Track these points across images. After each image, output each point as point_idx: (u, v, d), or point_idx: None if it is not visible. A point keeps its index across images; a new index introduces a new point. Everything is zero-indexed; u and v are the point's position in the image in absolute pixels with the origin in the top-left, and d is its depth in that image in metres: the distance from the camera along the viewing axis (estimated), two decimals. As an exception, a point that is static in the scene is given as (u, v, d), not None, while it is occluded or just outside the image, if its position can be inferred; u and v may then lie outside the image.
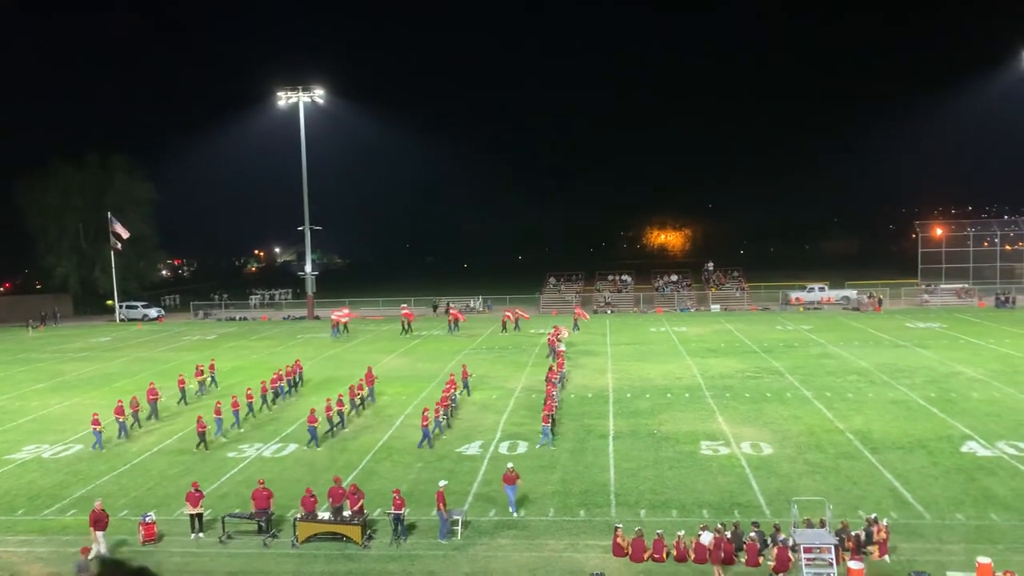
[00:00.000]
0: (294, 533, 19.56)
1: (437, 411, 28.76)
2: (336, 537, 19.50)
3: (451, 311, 60.90)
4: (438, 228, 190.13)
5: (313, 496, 20.41)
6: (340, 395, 31.43)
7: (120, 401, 30.28)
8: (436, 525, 19.88)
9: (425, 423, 27.24)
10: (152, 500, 22.78)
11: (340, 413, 29.61)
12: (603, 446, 26.68)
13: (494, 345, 49.96)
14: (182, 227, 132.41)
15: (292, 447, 27.68)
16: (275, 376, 35.10)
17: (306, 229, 70.72)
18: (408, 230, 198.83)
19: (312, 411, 28.31)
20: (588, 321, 57.57)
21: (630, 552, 18.19)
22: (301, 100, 68.79)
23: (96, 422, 28.20)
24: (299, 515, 20.03)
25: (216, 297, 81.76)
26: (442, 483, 20.82)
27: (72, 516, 21.72)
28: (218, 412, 29.41)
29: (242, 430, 30.10)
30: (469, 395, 34.69)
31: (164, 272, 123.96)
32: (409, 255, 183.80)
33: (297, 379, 37.26)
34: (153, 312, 73.17)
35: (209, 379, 37.86)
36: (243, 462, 26.28)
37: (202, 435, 27.66)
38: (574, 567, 17.70)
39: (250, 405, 31.83)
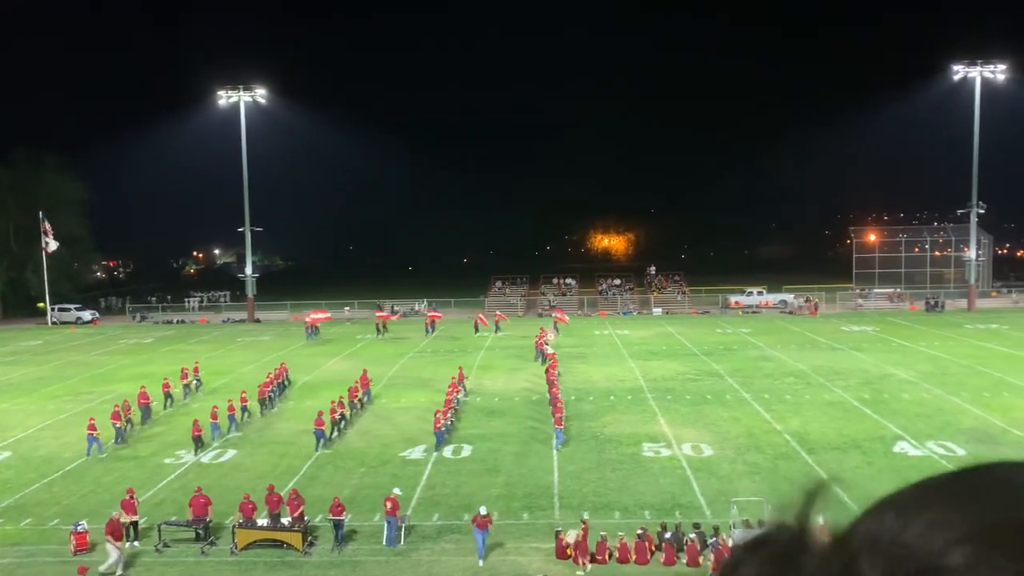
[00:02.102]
0: (233, 540, 19.21)
1: (446, 414, 28.62)
2: (276, 544, 19.22)
3: (429, 313, 59.84)
4: (382, 230, 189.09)
5: (251, 502, 20.06)
6: (341, 397, 31.03)
7: (116, 406, 29.34)
8: (378, 530, 19.72)
9: (438, 426, 27.12)
10: (84, 508, 22.13)
11: (343, 415, 29.30)
12: (547, 449, 26.80)
13: (439, 348, 49.79)
14: (118, 228, 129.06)
15: (231, 453, 27.17)
16: (266, 380, 34.50)
17: (246, 230, 69.50)
18: (352, 232, 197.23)
19: (320, 413, 27.84)
20: (567, 325, 56.38)
21: (572, 555, 18.30)
22: (242, 100, 67.63)
23: (92, 427, 27.24)
24: (238, 522, 19.68)
25: (153, 299, 79.87)
26: (396, 491, 20.61)
27: (-1, 526, 20.99)
28: (214, 416, 28.74)
29: (240, 434, 29.48)
30: (467, 396, 34.43)
31: (99, 274, 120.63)
32: (353, 257, 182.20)
33: (285, 382, 36.75)
34: (87, 315, 71.04)
35: (194, 382, 37.05)
36: (180, 468, 25.71)
37: (197, 439, 27.01)
38: (518, 571, 17.75)
39: (244, 408, 31.17)
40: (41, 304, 73.92)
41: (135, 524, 19.81)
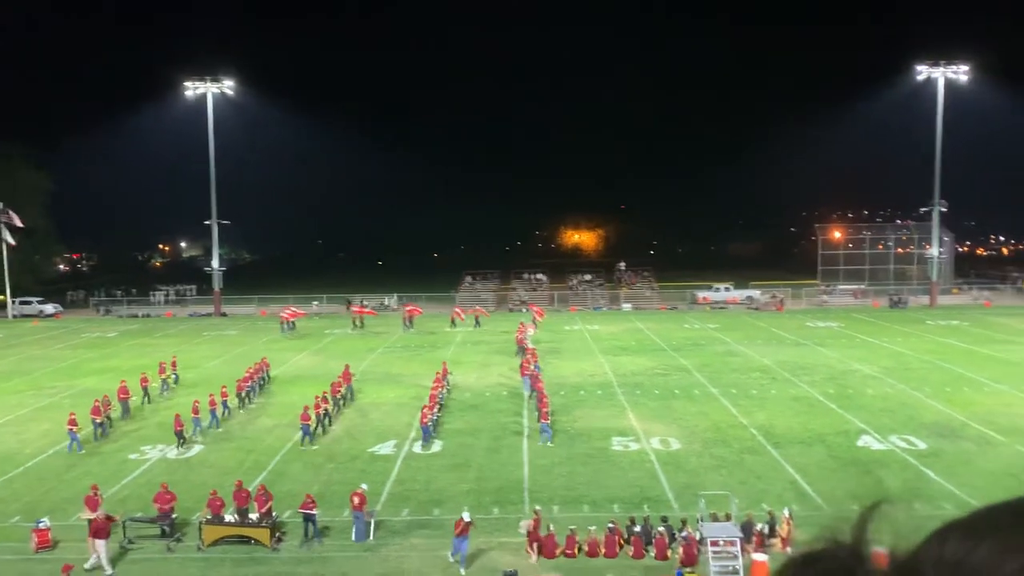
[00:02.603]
0: (200, 537, 19.02)
1: (432, 408, 28.53)
2: (244, 540, 19.06)
3: (407, 308, 59.21)
4: (351, 225, 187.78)
5: (219, 498, 19.87)
6: (325, 392, 30.77)
7: (96, 401, 28.81)
8: (347, 526, 19.64)
9: (424, 421, 27.06)
10: (46, 505, 21.77)
11: (326, 411, 29.08)
12: (517, 444, 26.86)
13: (410, 343, 49.65)
14: (82, 219, 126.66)
15: (197, 448, 26.87)
16: (245, 375, 34.12)
17: (213, 223, 68.67)
18: (320, 226, 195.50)
19: (306, 408, 27.64)
20: (543, 319, 56.15)
21: (543, 549, 18.37)
22: (209, 91, 66.77)
23: (73, 423, 26.75)
24: (205, 518, 19.49)
25: (119, 293, 78.63)
26: (363, 486, 20.55)
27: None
28: (195, 411, 28.34)
29: (221, 429, 29.13)
30: (449, 392, 34.29)
31: (62, 266, 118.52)
32: (321, 252, 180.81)
33: (265, 377, 36.43)
34: (50, 308, 69.76)
35: (172, 377, 36.57)
36: (145, 464, 25.40)
37: (179, 434, 26.65)
38: (488, 565, 17.77)
39: (225, 403, 30.78)
40: (2, 297, 72.45)
41: (99, 521, 19.51)
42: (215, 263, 69.68)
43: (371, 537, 19.32)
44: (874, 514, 0.92)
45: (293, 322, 55.37)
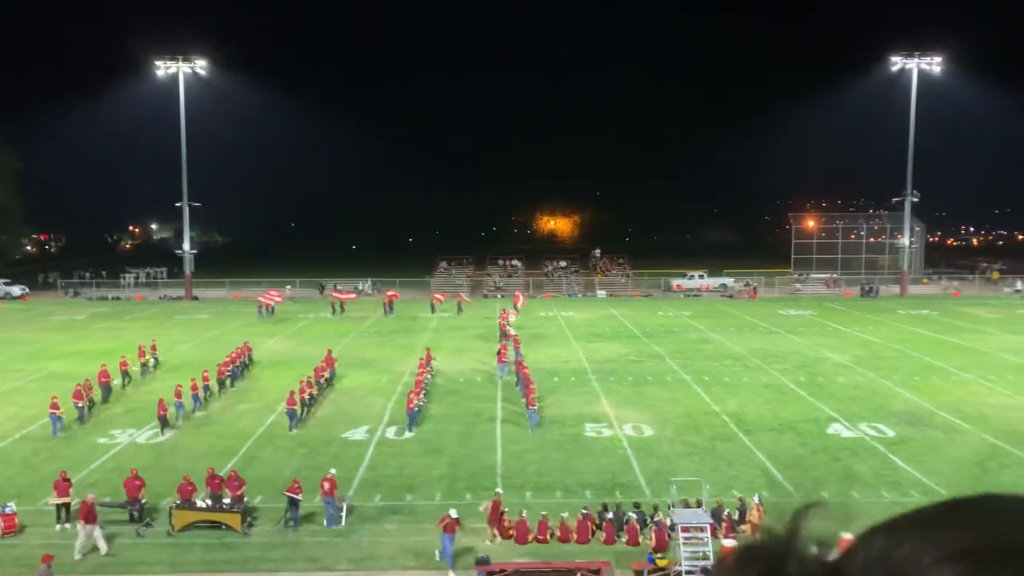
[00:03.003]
0: (170, 522, 18.84)
1: (419, 394, 28.42)
2: (215, 525, 18.92)
3: (388, 293, 58.76)
4: (325, 208, 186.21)
5: (191, 484, 19.67)
6: (309, 377, 30.55)
7: (78, 385, 28.39)
8: (319, 512, 19.55)
9: (411, 407, 27.00)
10: (12, 489, 21.44)
11: (311, 396, 28.90)
12: (490, 429, 26.87)
13: (382, 328, 49.45)
14: (50, 200, 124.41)
15: (169, 433, 26.58)
16: (227, 359, 33.77)
17: (184, 205, 67.79)
18: (293, 209, 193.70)
19: (292, 393, 27.50)
20: (522, 306, 56.24)
21: (515, 535, 18.42)
22: (181, 70, 65.72)
23: (55, 406, 26.33)
24: (175, 503, 19.30)
25: (88, 275, 77.51)
26: (332, 471, 20.46)
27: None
28: (178, 395, 28.01)
29: (204, 413, 28.82)
30: (433, 377, 34.11)
31: (29, 248, 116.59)
32: (294, 235, 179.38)
33: (247, 361, 36.12)
34: (16, 290, 68.63)
35: (152, 360, 36.15)
36: (115, 448, 25.10)
37: (163, 419, 26.36)
38: (460, 550, 17.76)
39: (207, 388, 30.49)
40: (-33, 278, 71.14)
41: (67, 506, 19.27)
42: (186, 246, 68.86)
43: (343, 523, 19.26)
44: (809, 511, 1.00)
45: (272, 307, 54.95)
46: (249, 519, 19.20)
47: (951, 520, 0.90)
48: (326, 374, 32.67)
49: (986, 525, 0.88)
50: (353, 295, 59.67)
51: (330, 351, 35.87)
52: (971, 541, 0.85)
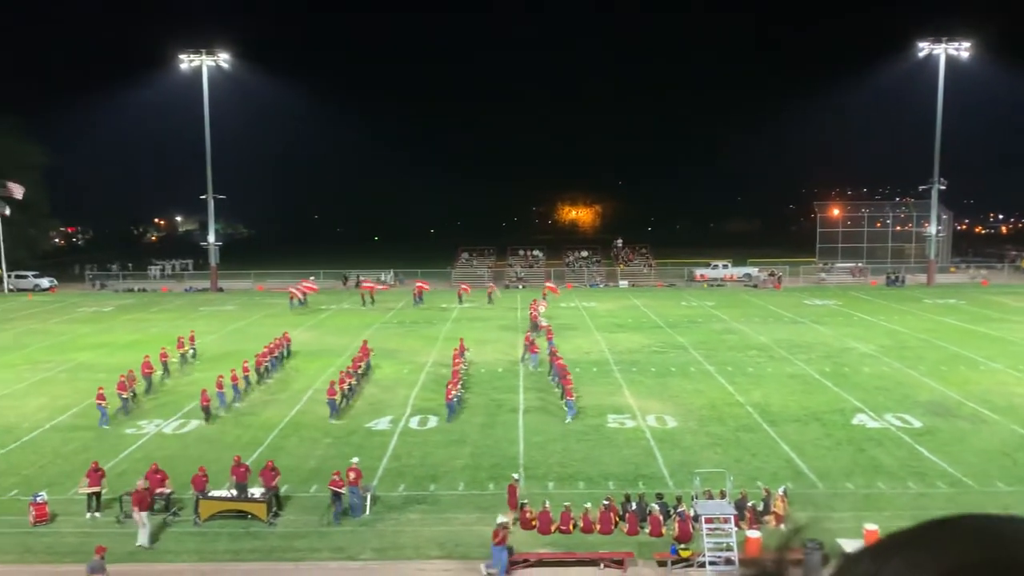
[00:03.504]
0: (196, 511, 19.07)
1: (456, 385, 28.60)
2: (241, 515, 19.11)
3: (417, 283, 58.89)
4: (348, 199, 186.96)
5: (205, 476, 19.80)
6: (349, 367, 30.90)
7: (122, 376, 28.77)
8: (344, 502, 19.68)
9: (449, 398, 27.26)
10: (44, 479, 21.81)
11: (350, 386, 29.18)
12: (513, 420, 26.92)
13: (405, 319, 49.63)
14: (77, 193, 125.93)
15: (194, 423, 26.90)
16: (265, 350, 34.06)
17: (209, 198, 68.34)
18: (316, 201, 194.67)
19: (332, 383, 27.80)
20: (558, 296, 56.77)
21: (537, 525, 18.46)
22: (205, 64, 66.14)
23: (101, 397, 26.75)
24: (198, 494, 19.51)
25: (114, 267, 78.41)
26: (354, 460, 20.59)
27: (-45, 497, 20.61)
28: (220, 386, 28.35)
29: (243, 404, 29.13)
30: (468, 368, 34.20)
31: (57, 240, 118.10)
32: (317, 226, 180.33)
33: (285, 352, 36.44)
34: (45, 282, 69.64)
35: (191, 351, 36.61)
36: (142, 439, 25.43)
37: (206, 408, 26.74)
38: (483, 540, 17.83)
39: (247, 379, 30.81)
40: (-4, 271, 72.18)
41: (98, 495, 19.56)
42: (211, 238, 69.40)
43: (367, 512, 19.39)
44: (798, 535, 1.09)
45: (307, 297, 55.25)
46: (275, 509, 19.36)
47: (934, 541, 0.94)
48: (362, 365, 32.79)
49: (968, 546, 0.92)
50: (385, 285, 59.91)
51: (365, 342, 36.08)
52: (954, 562, 0.89)
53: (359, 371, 31.81)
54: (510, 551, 17.00)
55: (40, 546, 18.00)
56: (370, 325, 46.84)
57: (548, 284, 58.42)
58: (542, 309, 45.96)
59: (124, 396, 27.99)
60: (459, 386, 28.98)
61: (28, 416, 28.01)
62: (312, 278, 67.34)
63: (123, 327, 47.32)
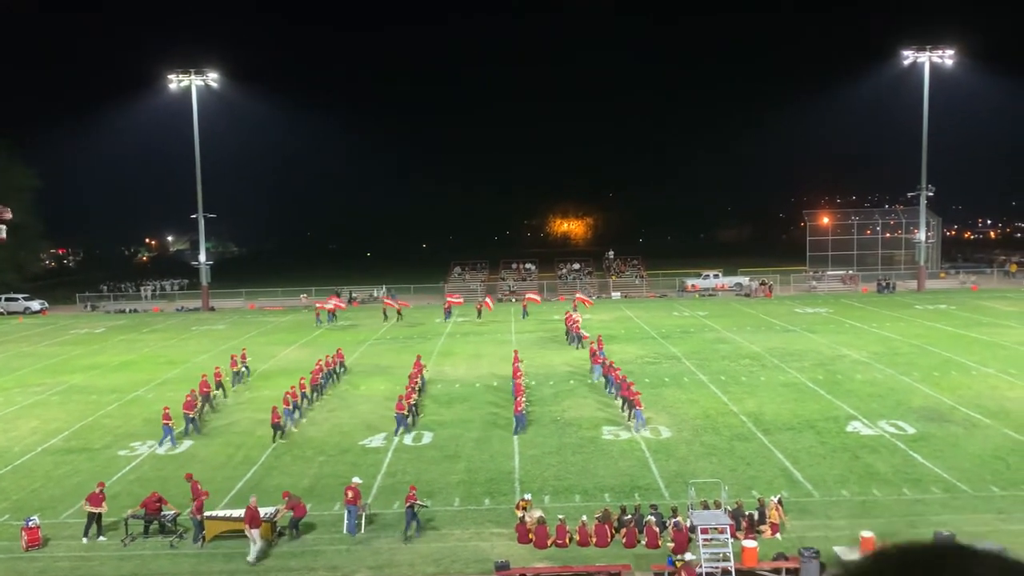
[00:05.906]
0: (200, 532, 18.95)
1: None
2: (243, 534, 18.99)
3: (448, 297, 58.71)
4: (339, 216, 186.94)
5: (157, 498, 19.62)
6: (413, 384, 30.85)
7: (188, 396, 28.64)
8: (339, 520, 19.62)
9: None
10: (36, 503, 21.66)
11: (416, 403, 29.14)
12: (508, 434, 26.86)
13: (398, 335, 49.57)
14: (67, 215, 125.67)
15: (187, 444, 26.75)
16: (316, 368, 33.88)
17: (199, 217, 68.24)
18: (308, 218, 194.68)
19: (400, 398, 27.84)
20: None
21: (534, 539, 18.42)
22: (194, 84, 66.20)
23: (167, 417, 26.59)
24: (205, 513, 19.37)
25: (105, 288, 78.20)
26: (356, 479, 20.48)
27: (-53, 523, 20.44)
28: (287, 403, 28.24)
29: (304, 420, 29.05)
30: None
31: (48, 262, 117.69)
32: (310, 243, 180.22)
33: (339, 369, 36.46)
34: (36, 305, 69.35)
35: (244, 369, 36.51)
36: (135, 460, 25.29)
37: (276, 426, 26.68)
38: (479, 556, 17.79)
39: (304, 394, 30.67)
40: (-13, 294, 71.85)
41: (99, 517, 19.43)
42: (202, 257, 69.33)
43: (362, 530, 19.31)
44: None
45: (335, 313, 55.04)
46: (279, 529, 19.25)
47: (914, 564, 0.99)
48: (418, 380, 32.58)
49: (946, 568, 0.96)
50: (405, 302, 59.63)
51: (419, 357, 35.99)
52: None
53: (417, 386, 31.64)
54: (504, 565, 16.93)
55: (33, 571, 17.85)
56: (364, 341, 46.75)
57: (529, 295, 58.91)
58: (579, 319, 45.74)
59: (191, 416, 27.87)
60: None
61: (20, 440, 27.84)
62: (304, 296, 67.31)
63: (115, 348, 47.12)
